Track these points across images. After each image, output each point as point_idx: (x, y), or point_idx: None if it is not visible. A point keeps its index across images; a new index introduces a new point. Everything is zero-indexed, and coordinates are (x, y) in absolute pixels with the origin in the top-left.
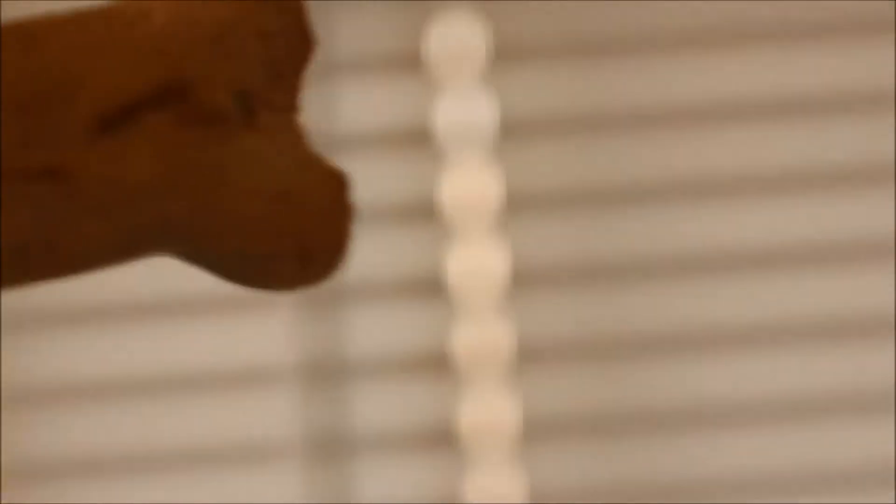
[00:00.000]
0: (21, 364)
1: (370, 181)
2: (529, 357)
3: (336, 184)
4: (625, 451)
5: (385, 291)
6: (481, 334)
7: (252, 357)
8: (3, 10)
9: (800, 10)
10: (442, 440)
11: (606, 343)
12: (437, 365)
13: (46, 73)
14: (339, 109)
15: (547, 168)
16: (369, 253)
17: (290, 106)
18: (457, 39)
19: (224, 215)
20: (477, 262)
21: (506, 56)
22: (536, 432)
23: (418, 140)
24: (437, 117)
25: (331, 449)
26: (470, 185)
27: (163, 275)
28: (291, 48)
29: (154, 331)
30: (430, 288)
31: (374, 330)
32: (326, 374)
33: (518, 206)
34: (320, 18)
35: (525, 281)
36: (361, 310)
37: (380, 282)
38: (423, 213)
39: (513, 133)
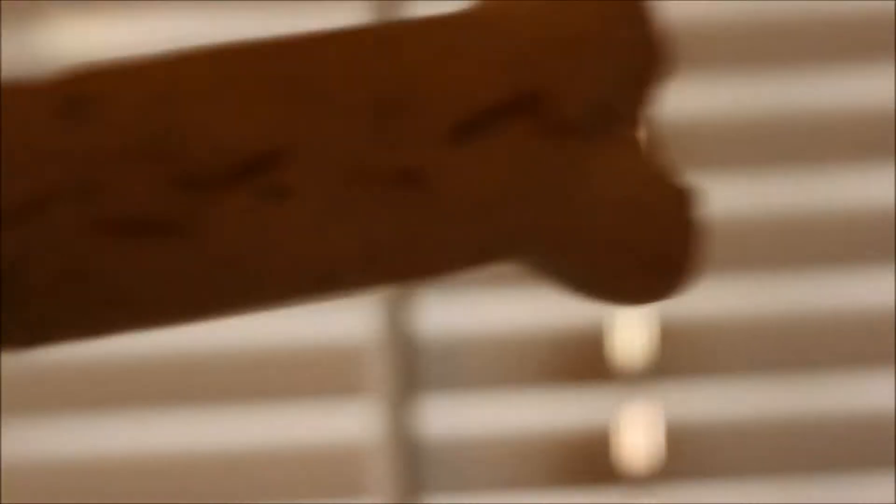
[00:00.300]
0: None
1: None
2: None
3: (681, 198)
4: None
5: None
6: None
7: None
8: (2, 9)
9: None
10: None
11: (784, 337)
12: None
13: (406, 76)
14: None
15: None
16: None
17: (635, 119)
18: None
19: (573, 227)
20: None
21: None
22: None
23: None
24: None
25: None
26: None
27: None
28: (642, 60)
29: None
30: None
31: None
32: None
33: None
34: None
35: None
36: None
37: None
38: None
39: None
